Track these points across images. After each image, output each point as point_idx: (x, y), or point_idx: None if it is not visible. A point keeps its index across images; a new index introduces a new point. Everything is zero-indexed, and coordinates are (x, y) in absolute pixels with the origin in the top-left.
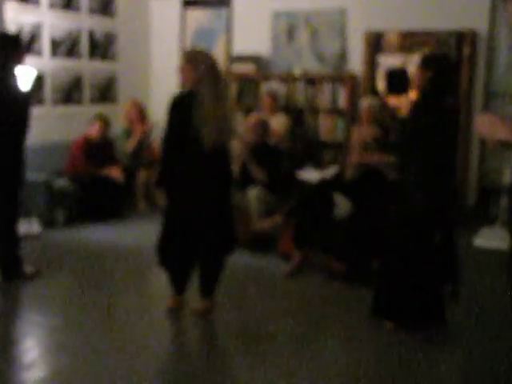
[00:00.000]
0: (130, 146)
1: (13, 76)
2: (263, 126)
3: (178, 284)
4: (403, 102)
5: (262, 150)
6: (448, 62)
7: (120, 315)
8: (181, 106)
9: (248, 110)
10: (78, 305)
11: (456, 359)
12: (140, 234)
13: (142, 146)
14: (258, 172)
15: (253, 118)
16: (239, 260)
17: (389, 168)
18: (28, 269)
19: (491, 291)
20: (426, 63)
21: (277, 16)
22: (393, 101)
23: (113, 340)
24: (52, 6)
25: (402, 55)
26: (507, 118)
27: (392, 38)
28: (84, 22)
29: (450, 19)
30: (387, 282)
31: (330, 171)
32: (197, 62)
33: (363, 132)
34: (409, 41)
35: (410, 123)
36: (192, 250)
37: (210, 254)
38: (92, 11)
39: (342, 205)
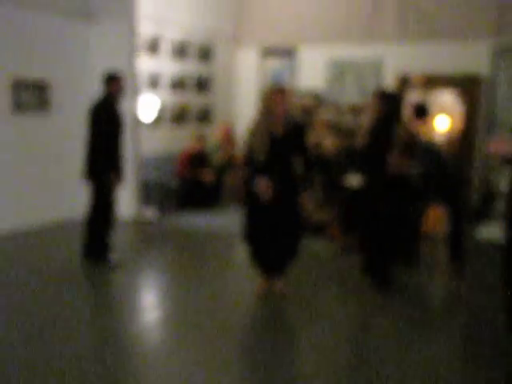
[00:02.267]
0: (218, 157)
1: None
2: None
3: (265, 267)
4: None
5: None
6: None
7: (211, 277)
8: None
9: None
10: (183, 269)
11: None
12: (225, 221)
13: (230, 158)
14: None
15: None
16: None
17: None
18: (114, 256)
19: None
20: (381, 97)
21: (330, 63)
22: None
23: (206, 295)
24: (169, 55)
25: (424, 92)
26: None
27: (416, 79)
28: (191, 66)
29: (460, 65)
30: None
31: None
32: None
33: None
34: (429, 81)
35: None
36: (272, 237)
37: (287, 241)
38: (197, 59)
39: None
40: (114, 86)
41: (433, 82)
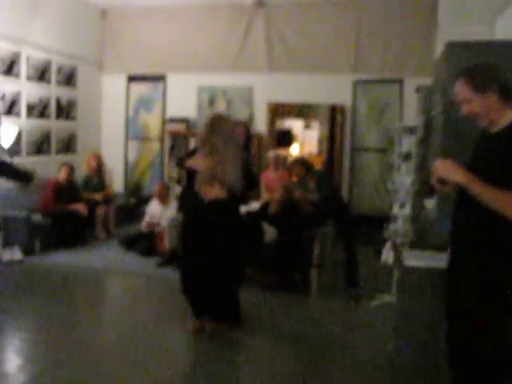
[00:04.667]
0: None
1: None
2: None
3: (197, 309)
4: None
5: None
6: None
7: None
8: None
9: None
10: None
11: None
12: (100, 257)
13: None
14: None
15: None
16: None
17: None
18: None
19: None
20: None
21: (200, 89)
22: (282, 151)
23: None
24: (28, 78)
25: (292, 120)
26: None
27: (286, 108)
28: (52, 91)
29: (326, 95)
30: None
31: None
32: None
33: (272, 175)
34: (297, 110)
35: None
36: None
37: (222, 286)
38: (59, 83)
39: (269, 231)
40: None
41: (300, 111)
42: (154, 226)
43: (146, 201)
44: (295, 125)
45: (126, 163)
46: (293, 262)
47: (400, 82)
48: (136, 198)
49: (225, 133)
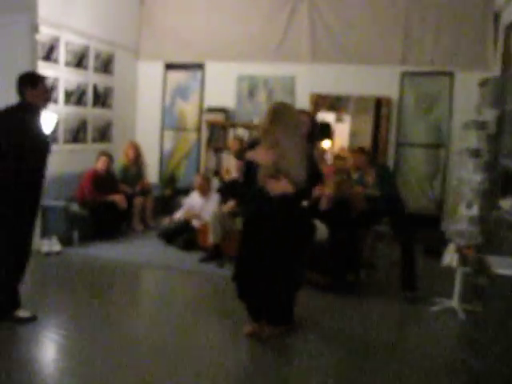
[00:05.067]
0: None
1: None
2: None
3: (254, 313)
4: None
5: None
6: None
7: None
8: None
9: (217, 150)
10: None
11: None
12: (140, 251)
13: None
14: None
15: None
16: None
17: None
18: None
19: None
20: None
21: (240, 78)
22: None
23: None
24: (67, 64)
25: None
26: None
27: (327, 100)
28: (90, 78)
29: (371, 87)
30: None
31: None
32: None
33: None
34: (340, 102)
35: None
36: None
37: (283, 289)
38: (96, 70)
39: (321, 229)
40: (35, 92)
41: (342, 103)
42: (194, 217)
43: (180, 192)
44: (328, 118)
45: (161, 153)
46: (346, 261)
47: (450, 74)
48: (171, 190)
49: (288, 123)
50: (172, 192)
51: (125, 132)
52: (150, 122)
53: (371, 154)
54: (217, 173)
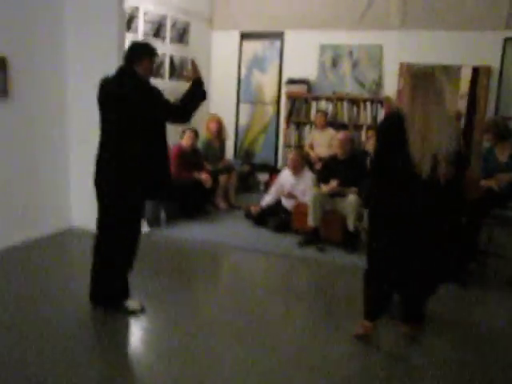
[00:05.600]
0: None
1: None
2: (351, 141)
3: (376, 311)
4: None
5: (351, 161)
6: None
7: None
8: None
9: (298, 124)
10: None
11: None
12: (228, 232)
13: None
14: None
15: (341, 134)
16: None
17: None
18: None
19: None
20: None
21: (323, 48)
22: None
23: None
24: (144, 35)
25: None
26: None
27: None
28: (167, 48)
29: (468, 55)
30: None
31: None
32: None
33: None
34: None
35: None
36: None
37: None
38: (172, 40)
39: None
40: (149, 65)
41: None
42: (290, 197)
43: (257, 169)
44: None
45: (237, 128)
46: (465, 249)
47: None
48: (249, 166)
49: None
50: (251, 168)
51: (200, 106)
52: (225, 94)
53: (507, 127)
54: (299, 148)
